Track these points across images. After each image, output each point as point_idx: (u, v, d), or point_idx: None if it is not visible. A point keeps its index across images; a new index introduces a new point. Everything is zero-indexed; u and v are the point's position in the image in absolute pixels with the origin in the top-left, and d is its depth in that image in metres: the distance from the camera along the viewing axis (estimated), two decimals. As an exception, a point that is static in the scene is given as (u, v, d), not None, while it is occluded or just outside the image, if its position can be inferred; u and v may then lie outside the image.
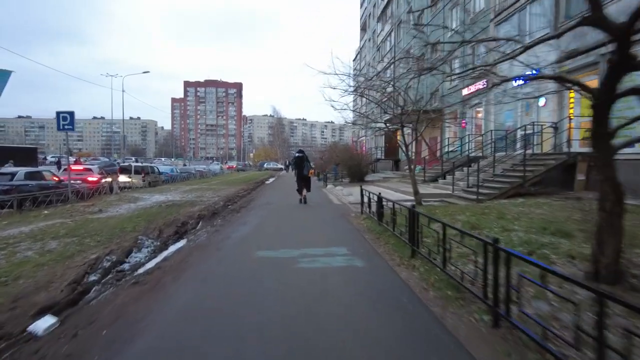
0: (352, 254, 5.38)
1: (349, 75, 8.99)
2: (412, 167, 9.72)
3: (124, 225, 7.80)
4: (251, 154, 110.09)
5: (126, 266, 5.09)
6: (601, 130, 3.62)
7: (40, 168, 17.10)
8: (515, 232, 6.02)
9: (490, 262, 2.96)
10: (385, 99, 9.89)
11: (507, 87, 8.51)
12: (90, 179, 15.98)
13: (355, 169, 21.53)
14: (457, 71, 19.76)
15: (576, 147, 11.33)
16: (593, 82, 8.18)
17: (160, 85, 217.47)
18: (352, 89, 9.27)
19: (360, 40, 47.10)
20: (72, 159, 41.97)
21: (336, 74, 8.70)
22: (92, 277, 4.43)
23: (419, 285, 4.07)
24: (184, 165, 36.00)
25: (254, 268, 4.68)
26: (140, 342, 2.79)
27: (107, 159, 35.58)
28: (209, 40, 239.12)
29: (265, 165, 61.68)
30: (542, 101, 13.58)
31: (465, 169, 14.98)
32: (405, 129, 9.83)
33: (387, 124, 11.52)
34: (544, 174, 10.92)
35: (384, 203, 7.25)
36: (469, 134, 19.47)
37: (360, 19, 49.35)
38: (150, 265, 5.18)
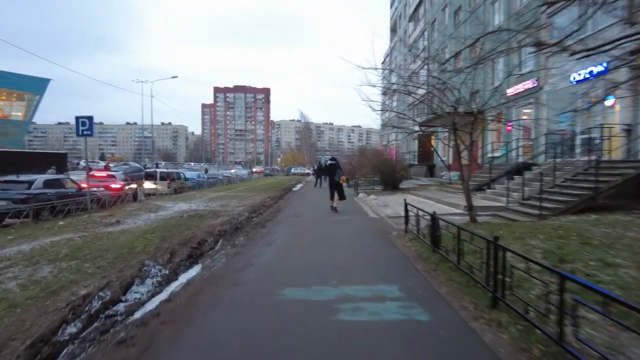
0: (407, 296, 4.10)
1: (391, 71, 7.76)
2: (467, 177, 8.26)
3: (135, 243, 6.86)
4: (279, 159, 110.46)
5: (121, 307, 4.02)
6: None
7: (61, 175, 16.71)
8: (623, 268, 4.53)
9: None
10: (436, 96, 8.52)
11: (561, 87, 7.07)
12: (113, 185, 15.45)
13: (388, 175, 19.98)
14: (502, 71, 17.96)
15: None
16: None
17: (191, 90, 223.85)
18: (393, 86, 8.03)
19: (390, 42, 45.47)
20: (102, 164, 43.12)
21: (375, 68, 7.58)
22: (70, 329, 3.34)
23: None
24: (206, 171, 35.33)
25: (278, 319, 3.50)
26: None
27: (137, 164, 35.73)
28: (238, 45, 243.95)
29: (292, 170, 61.41)
30: (610, 100, 11.77)
31: (516, 177, 13.31)
32: (440, 133, 8.48)
33: (429, 126, 10.21)
34: (620, 185, 9.18)
35: (440, 224, 5.88)
36: (516, 138, 17.67)
37: (390, 19, 47.80)
38: (150, 306, 4.10)
